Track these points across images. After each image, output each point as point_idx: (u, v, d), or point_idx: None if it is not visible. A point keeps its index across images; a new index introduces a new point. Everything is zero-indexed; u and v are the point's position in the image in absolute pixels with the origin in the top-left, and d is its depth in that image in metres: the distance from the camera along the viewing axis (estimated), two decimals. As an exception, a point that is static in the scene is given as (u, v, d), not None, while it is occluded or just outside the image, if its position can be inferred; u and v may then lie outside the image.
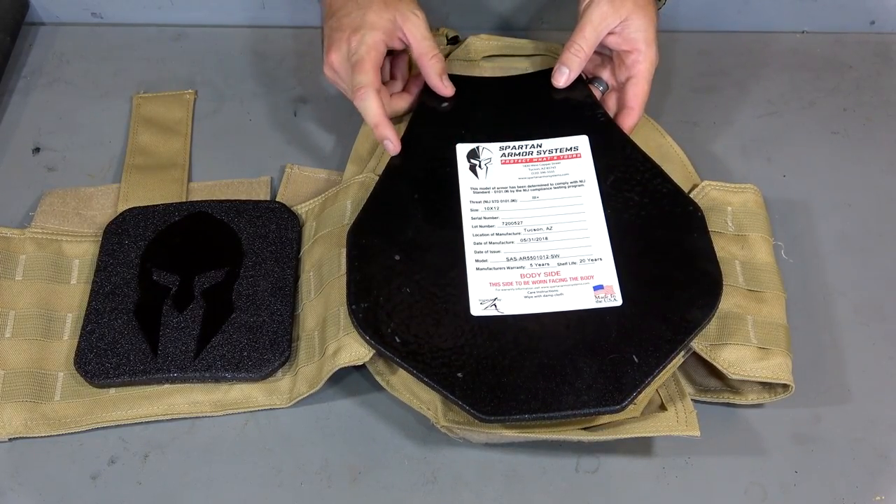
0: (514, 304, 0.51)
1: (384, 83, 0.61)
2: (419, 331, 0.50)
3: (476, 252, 0.53)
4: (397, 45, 0.59)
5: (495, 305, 0.51)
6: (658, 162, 0.61)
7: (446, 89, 0.61)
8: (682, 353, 0.51)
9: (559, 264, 0.53)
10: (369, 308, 0.50)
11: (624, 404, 0.47)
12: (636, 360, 0.48)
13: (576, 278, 0.52)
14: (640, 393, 0.47)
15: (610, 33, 0.59)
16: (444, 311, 0.51)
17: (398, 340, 0.49)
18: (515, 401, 0.47)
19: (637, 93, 0.60)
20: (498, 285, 0.52)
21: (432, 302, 0.51)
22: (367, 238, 0.54)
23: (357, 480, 0.51)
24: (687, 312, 0.50)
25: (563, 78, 0.61)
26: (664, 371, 0.50)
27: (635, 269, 0.52)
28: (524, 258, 0.53)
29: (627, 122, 0.60)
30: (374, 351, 0.50)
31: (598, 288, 0.51)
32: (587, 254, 0.53)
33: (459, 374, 0.48)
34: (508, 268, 0.53)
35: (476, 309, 0.51)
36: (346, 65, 0.58)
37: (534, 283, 0.52)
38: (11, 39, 0.72)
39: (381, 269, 0.52)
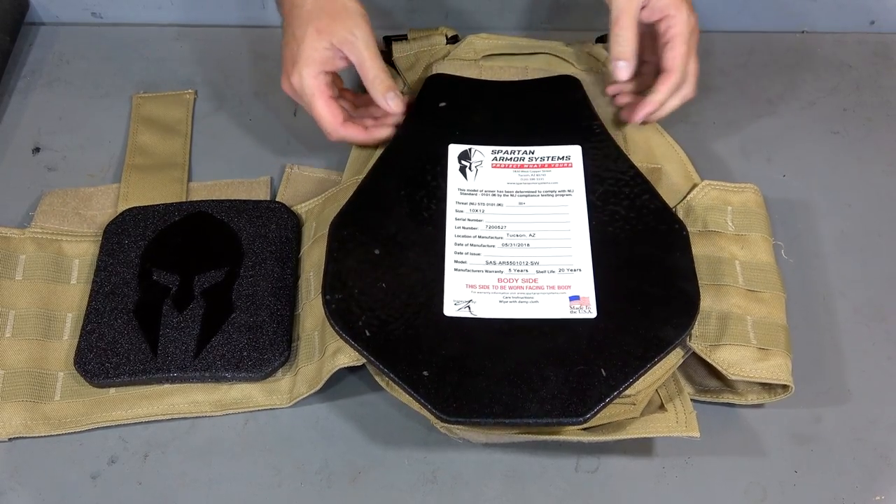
0: (489, 307, 0.51)
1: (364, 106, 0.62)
2: (390, 326, 0.49)
3: (456, 253, 0.53)
4: (342, 66, 0.58)
5: (469, 307, 0.51)
6: (658, 162, 0.61)
7: (392, 107, 0.58)
8: (682, 353, 0.51)
9: (538, 272, 0.52)
10: (343, 300, 0.50)
11: (587, 417, 0.46)
12: (604, 373, 0.47)
13: (553, 287, 0.52)
14: (604, 407, 0.47)
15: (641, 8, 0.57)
16: (417, 308, 0.50)
17: (367, 334, 0.49)
18: (478, 404, 0.47)
19: (674, 55, 0.57)
20: (474, 287, 0.52)
21: (406, 299, 0.51)
22: (348, 230, 0.54)
23: (357, 480, 0.51)
24: (660, 331, 0.49)
25: (624, 72, 0.58)
26: (664, 374, 0.50)
27: (613, 282, 0.52)
28: (503, 263, 0.53)
29: (663, 87, 0.58)
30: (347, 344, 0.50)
31: (573, 298, 0.51)
32: (567, 263, 0.53)
33: (425, 373, 0.48)
34: (487, 271, 0.53)
35: (450, 309, 0.51)
36: (299, 95, 0.58)
37: (510, 288, 0.52)
38: (11, 39, 0.72)
39: (359, 262, 0.52)
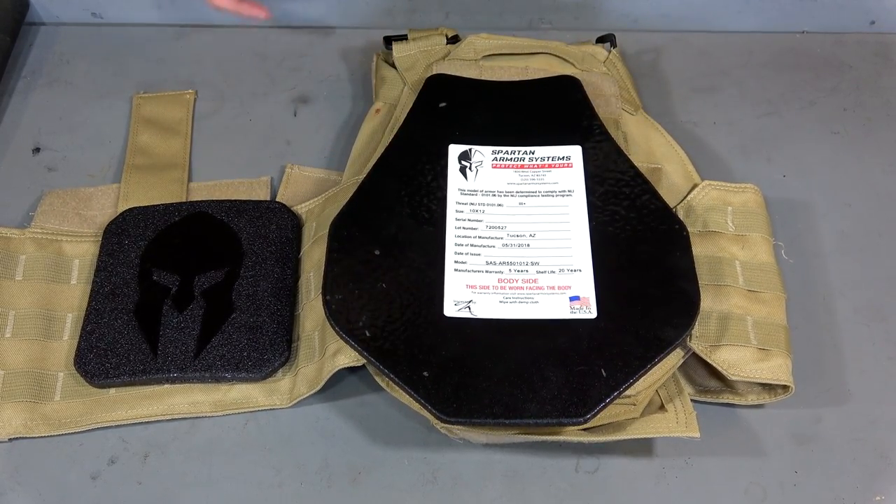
0: (489, 308, 0.51)
1: None
2: (390, 327, 0.49)
3: (456, 253, 0.53)
4: None
5: (469, 308, 0.51)
6: (658, 162, 0.61)
7: None
8: (682, 353, 0.51)
9: (538, 272, 0.52)
10: (343, 300, 0.50)
11: (587, 417, 0.46)
12: (604, 374, 0.47)
13: (553, 287, 0.52)
14: (604, 407, 0.47)
15: None
16: (417, 308, 0.50)
17: (368, 335, 0.49)
18: (479, 404, 0.47)
19: None
20: (474, 288, 0.52)
21: (407, 299, 0.51)
22: (349, 230, 0.54)
23: (357, 480, 0.51)
24: (661, 331, 0.49)
25: None
26: (664, 374, 0.50)
27: (614, 283, 0.51)
28: (503, 263, 0.53)
29: None
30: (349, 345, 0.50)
31: (574, 299, 0.51)
32: (567, 264, 0.53)
33: (426, 373, 0.48)
34: (487, 271, 0.53)
35: (450, 309, 0.51)
36: None
37: (510, 288, 0.52)
38: (11, 39, 0.72)
39: (359, 262, 0.52)
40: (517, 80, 0.63)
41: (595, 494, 0.51)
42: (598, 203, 0.55)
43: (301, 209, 0.61)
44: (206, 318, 0.55)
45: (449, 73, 0.63)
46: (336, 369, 0.51)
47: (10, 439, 0.52)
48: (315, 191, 0.62)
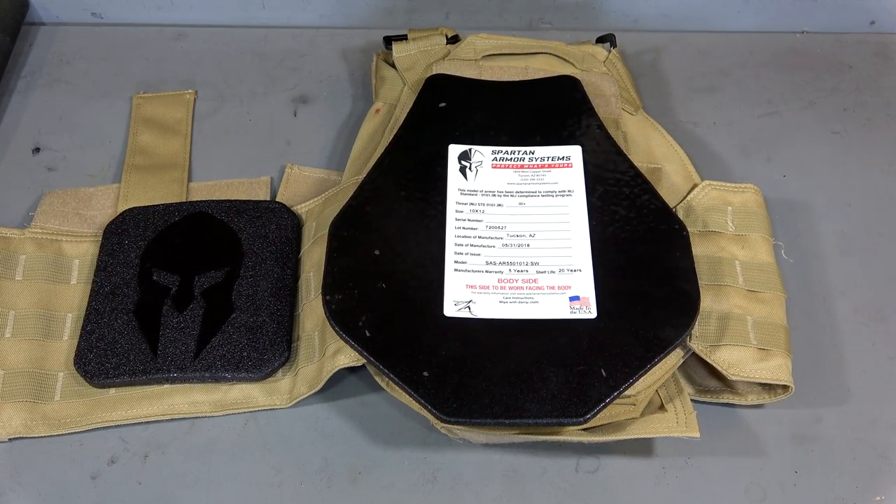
0: (489, 308, 0.51)
1: None
2: (390, 327, 0.50)
3: (456, 253, 0.53)
4: None
5: (469, 308, 0.51)
6: (658, 162, 0.61)
7: None
8: (682, 353, 0.51)
9: (538, 272, 0.52)
10: (343, 300, 0.50)
11: (587, 417, 0.46)
12: (604, 373, 0.47)
13: (553, 287, 0.52)
14: (604, 407, 0.47)
15: None
16: (417, 309, 0.50)
17: (368, 335, 0.49)
18: (479, 404, 0.47)
19: None
20: (474, 288, 0.52)
21: (406, 299, 0.51)
22: (348, 230, 0.54)
23: (357, 480, 0.51)
24: (660, 331, 0.49)
25: None
26: (664, 374, 0.50)
27: (614, 283, 0.52)
28: (503, 263, 0.53)
29: None
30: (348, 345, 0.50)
31: (574, 299, 0.51)
32: (567, 264, 0.53)
33: (425, 373, 0.48)
34: (487, 271, 0.53)
35: (450, 309, 0.51)
36: None
37: (510, 288, 0.52)
38: (11, 39, 0.72)
39: (359, 262, 0.52)
40: (517, 80, 0.63)
41: (595, 494, 0.51)
42: (598, 203, 0.55)
43: (301, 209, 0.61)
44: (206, 318, 0.55)
45: (449, 73, 0.63)
46: (336, 369, 0.51)
47: (10, 439, 0.52)
48: (315, 191, 0.63)
